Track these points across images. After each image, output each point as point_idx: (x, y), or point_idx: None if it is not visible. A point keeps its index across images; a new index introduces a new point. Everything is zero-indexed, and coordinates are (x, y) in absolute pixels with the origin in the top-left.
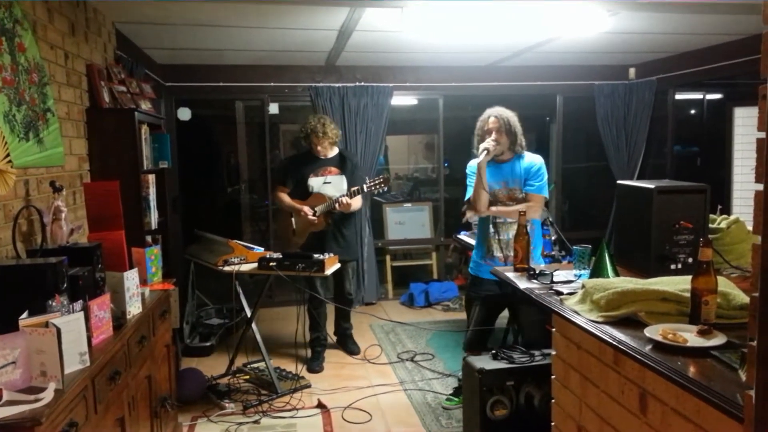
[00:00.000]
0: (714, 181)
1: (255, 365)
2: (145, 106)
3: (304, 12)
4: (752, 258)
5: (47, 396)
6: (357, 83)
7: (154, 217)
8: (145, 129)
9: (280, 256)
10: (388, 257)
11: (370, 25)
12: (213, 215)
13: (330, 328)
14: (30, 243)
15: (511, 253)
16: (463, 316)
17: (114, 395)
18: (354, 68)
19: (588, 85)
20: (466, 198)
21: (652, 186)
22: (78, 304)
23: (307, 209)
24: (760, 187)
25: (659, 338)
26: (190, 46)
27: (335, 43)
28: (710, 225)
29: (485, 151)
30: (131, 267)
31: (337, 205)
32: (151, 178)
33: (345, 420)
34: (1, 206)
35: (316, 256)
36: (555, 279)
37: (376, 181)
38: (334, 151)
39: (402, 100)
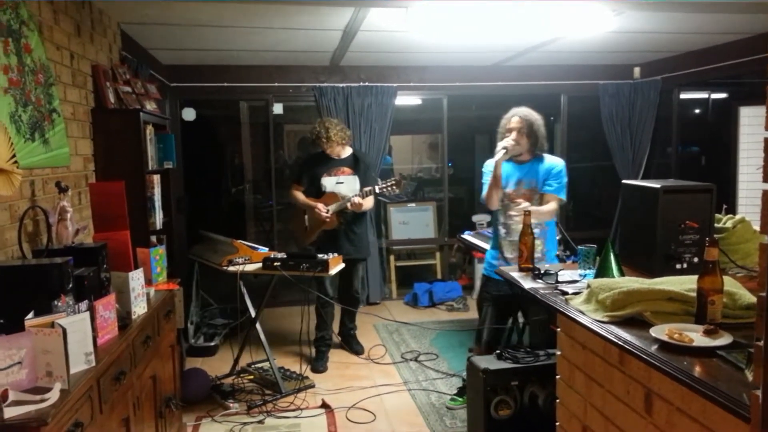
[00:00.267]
0: (719, 180)
1: (259, 365)
2: (150, 106)
3: (308, 12)
4: (759, 257)
5: (53, 396)
6: (361, 83)
7: (158, 218)
8: (150, 129)
9: (285, 256)
10: (392, 257)
11: (374, 25)
12: (217, 215)
13: (335, 327)
14: (36, 243)
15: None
16: (467, 316)
17: (119, 395)
18: (358, 68)
19: (593, 85)
20: (482, 197)
21: (657, 185)
22: (83, 305)
23: (321, 206)
24: (767, 186)
25: (665, 338)
26: (195, 46)
27: (339, 43)
28: (716, 225)
29: (503, 150)
30: (136, 267)
31: (349, 205)
32: (156, 178)
33: (349, 420)
34: (7, 207)
35: (320, 255)
36: (560, 279)
37: (389, 183)
38: (347, 152)
39: (406, 100)
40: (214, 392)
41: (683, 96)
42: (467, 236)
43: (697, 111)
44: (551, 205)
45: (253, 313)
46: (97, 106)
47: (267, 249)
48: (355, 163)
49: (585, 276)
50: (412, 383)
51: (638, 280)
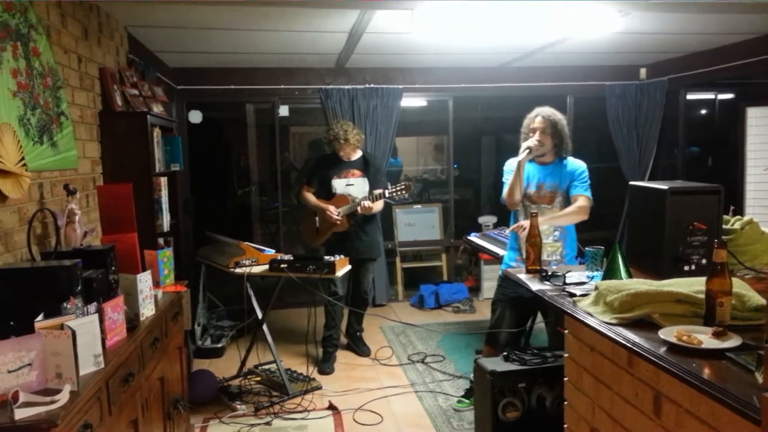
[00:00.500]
0: (725, 181)
1: (266, 367)
2: (157, 109)
3: (314, 15)
4: None
5: (63, 398)
6: (367, 85)
7: (166, 220)
8: (157, 132)
9: (291, 258)
10: (398, 259)
11: (379, 27)
12: (223, 217)
13: (342, 327)
14: (44, 246)
15: (542, 256)
16: (473, 317)
17: (127, 397)
18: (364, 70)
19: (599, 86)
20: (502, 197)
21: (665, 187)
22: (92, 307)
23: (332, 208)
24: None
25: (674, 340)
26: (201, 49)
27: (345, 46)
28: (723, 226)
29: (527, 150)
30: (144, 269)
31: (359, 208)
32: (163, 180)
33: (356, 422)
34: (16, 209)
35: (326, 257)
36: (567, 281)
37: (398, 188)
38: (357, 154)
39: (412, 101)
40: (222, 394)
41: (690, 97)
42: (473, 238)
43: (703, 112)
44: (579, 203)
45: (260, 315)
46: (104, 108)
47: (273, 251)
48: (365, 166)
49: (593, 278)
50: (419, 385)
51: (646, 281)
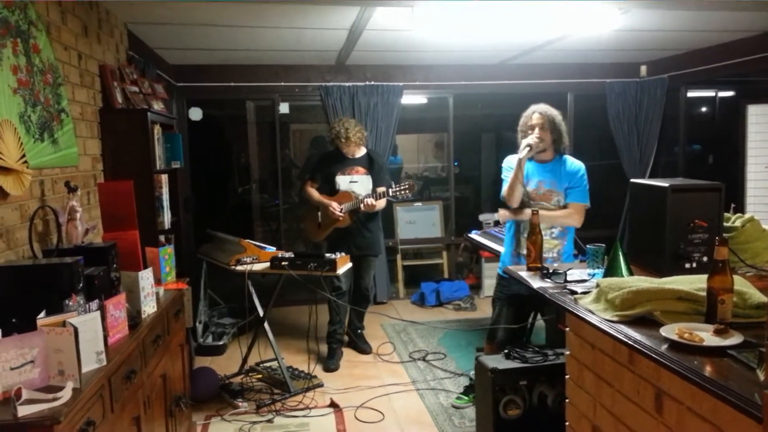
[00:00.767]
0: (726, 178)
1: (267, 364)
2: (158, 106)
3: (314, 12)
4: None
5: (65, 395)
6: (367, 82)
7: (167, 217)
8: (157, 129)
9: (292, 256)
10: (398, 256)
11: (380, 25)
12: (224, 215)
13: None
14: (46, 243)
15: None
16: (474, 315)
17: (130, 394)
18: (364, 67)
19: (599, 83)
20: (501, 194)
21: (666, 184)
22: (94, 304)
23: (335, 205)
24: None
25: (675, 337)
26: (201, 46)
27: (345, 43)
28: (724, 223)
29: (527, 147)
30: (145, 266)
31: (361, 206)
32: (164, 177)
33: (357, 419)
34: (17, 206)
35: (327, 255)
36: (568, 278)
37: (402, 187)
38: (361, 151)
39: (412, 99)
40: (223, 391)
41: (690, 94)
42: (474, 235)
43: (704, 109)
44: (572, 209)
45: (261, 313)
46: (104, 106)
47: (274, 248)
48: (369, 163)
49: (594, 275)
50: (420, 383)
51: (647, 279)
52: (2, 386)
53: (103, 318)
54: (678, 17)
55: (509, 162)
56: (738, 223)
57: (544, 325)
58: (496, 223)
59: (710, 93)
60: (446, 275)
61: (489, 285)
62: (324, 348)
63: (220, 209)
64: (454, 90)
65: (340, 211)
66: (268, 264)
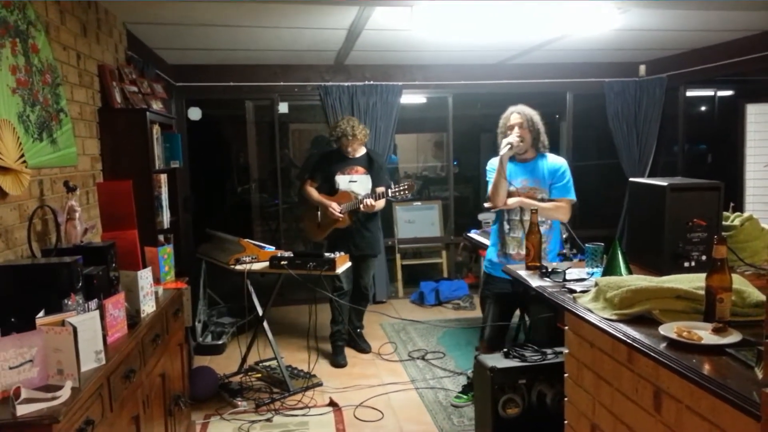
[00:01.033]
0: (725, 178)
1: (267, 363)
2: (157, 106)
3: (313, 11)
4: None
5: (64, 394)
6: (366, 82)
7: (166, 217)
8: (156, 129)
9: (291, 255)
10: (398, 256)
11: (379, 24)
12: (223, 214)
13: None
14: (45, 242)
15: (523, 251)
16: (473, 314)
17: (129, 393)
18: (363, 67)
19: (598, 83)
20: (486, 195)
21: (664, 183)
22: (93, 303)
23: (335, 205)
24: None
25: (674, 336)
26: (200, 46)
27: (344, 43)
28: (723, 222)
29: (509, 146)
30: (144, 266)
31: (361, 206)
32: (163, 177)
33: (357, 418)
34: (16, 206)
35: (326, 254)
36: (567, 277)
37: (401, 188)
38: (361, 151)
39: (411, 98)
40: (223, 390)
41: (689, 93)
42: (473, 235)
43: (703, 108)
44: (565, 207)
45: (260, 312)
46: (103, 105)
47: (273, 248)
48: (368, 163)
49: (593, 274)
50: (420, 381)
51: (646, 278)
52: (1, 385)
53: (102, 317)
54: (677, 17)
55: (492, 164)
56: (737, 222)
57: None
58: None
59: (709, 92)
60: (445, 274)
61: None
62: (323, 347)
63: (219, 209)
64: (453, 90)
65: (340, 212)
66: (267, 263)
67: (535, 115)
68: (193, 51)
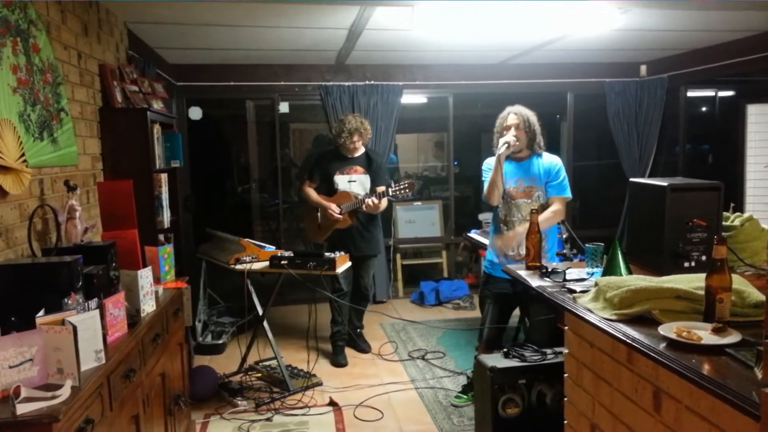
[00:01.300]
0: (726, 178)
1: (267, 363)
2: (157, 105)
3: (314, 11)
4: (767, 256)
5: (64, 393)
6: (367, 82)
7: (166, 216)
8: (157, 128)
9: (291, 255)
10: (398, 256)
11: (380, 24)
12: (224, 214)
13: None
14: (45, 242)
15: (523, 252)
16: (473, 314)
17: (129, 392)
18: (364, 67)
19: (599, 83)
20: (483, 194)
21: (665, 184)
22: (93, 302)
23: (334, 206)
24: None
25: (673, 336)
26: (201, 45)
27: (345, 42)
28: (723, 223)
29: (506, 144)
30: (145, 265)
31: (363, 206)
32: (164, 177)
33: (357, 418)
34: (16, 205)
35: (327, 254)
36: (567, 277)
37: (401, 186)
38: (360, 150)
39: (412, 98)
40: (222, 390)
41: (690, 94)
42: (474, 234)
43: (704, 109)
44: (554, 207)
45: (260, 311)
46: (104, 105)
47: (274, 247)
48: (367, 163)
49: (593, 274)
50: (419, 381)
51: (646, 278)
52: (1, 384)
53: (102, 316)
54: (678, 17)
55: (488, 163)
56: (737, 222)
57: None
58: None
59: (710, 93)
60: (446, 274)
61: None
62: (323, 347)
63: (220, 208)
64: (453, 90)
65: (340, 212)
66: (267, 263)
67: (532, 116)
68: (194, 50)
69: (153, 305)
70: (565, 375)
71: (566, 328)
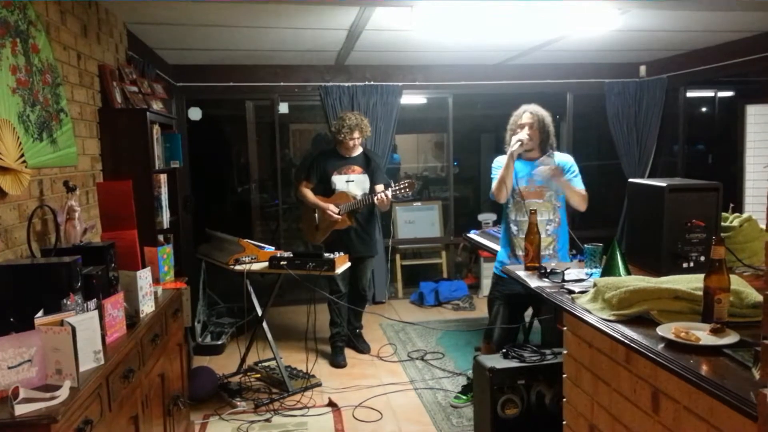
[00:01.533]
0: (725, 178)
1: (266, 364)
2: (157, 106)
3: (313, 12)
4: (765, 256)
5: (63, 394)
6: (366, 82)
7: (166, 217)
8: (156, 129)
9: (291, 255)
10: (398, 256)
11: (379, 25)
12: (223, 214)
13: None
14: (44, 242)
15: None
16: (473, 315)
17: (128, 393)
18: (363, 67)
19: (598, 83)
20: (491, 191)
21: (663, 184)
22: (92, 303)
23: (333, 207)
24: None
25: (671, 337)
26: (201, 46)
27: (345, 43)
28: (722, 223)
29: (519, 142)
30: (144, 266)
31: (376, 200)
32: (163, 177)
33: (356, 418)
34: (15, 206)
35: (326, 255)
36: (566, 277)
37: (402, 186)
38: (358, 150)
39: (411, 99)
40: (222, 390)
41: (689, 94)
42: (473, 235)
43: (703, 109)
44: (581, 189)
45: (259, 312)
46: (104, 105)
47: (273, 248)
48: (365, 162)
49: (591, 275)
50: (419, 382)
51: (645, 278)
52: (0, 385)
53: (101, 317)
54: (677, 17)
55: (498, 161)
56: (736, 223)
57: (539, 326)
58: (495, 223)
59: (709, 93)
60: (445, 275)
61: (488, 285)
62: (322, 347)
63: (219, 209)
64: (453, 90)
65: (339, 213)
66: (266, 263)
67: (547, 117)
68: (194, 51)
69: (152, 306)
70: (564, 375)
71: (565, 328)
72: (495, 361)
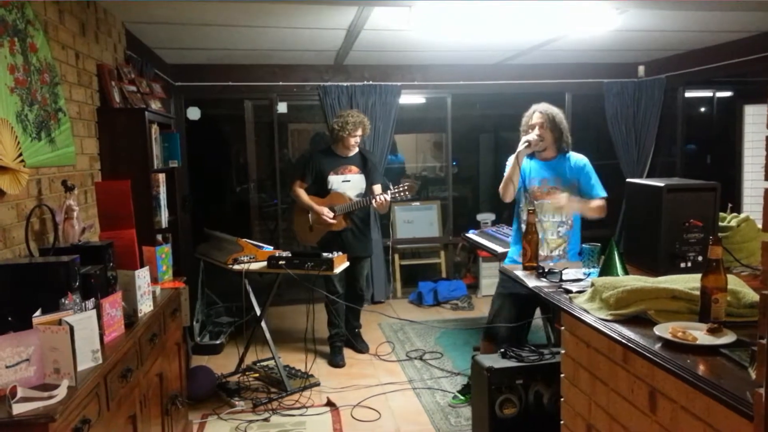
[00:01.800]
0: (724, 179)
1: (264, 363)
2: (155, 105)
3: (312, 11)
4: (762, 256)
5: (60, 393)
6: (365, 82)
7: (164, 216)
8: (155, 128)
9: (289, 255)
10: (396, 256)
11: (378, 24)
12: (222, 214)
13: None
14: (42, 242)
15: (545, 252)
16: (472, 314)
17: (126, 392)
18: (362, 67)
19: (597, 83)
20: (500, 187)
21: (661, 184)
22: (90, 302)
23: (326, 211)
24: None
25: (669, 336)
26: (200, 45)
27: (343, 43)
28: (720, 223)
29: (526, 143)
30: (142, 265)
31: (374, 202)
32: (162, 177)
33: (354, 418)
34: (14, 205)
35: (324, 254)
36: (564, 277)
37: (401, 188)
38: (354, 150)
39: (410, 98)
40: (220, 390)
41: (688, 94)
42: (472, 235)
43: (702, 109)
44: (600, 202)
45: (258, 312)
46: (102, 105)
47: (272, 248)
48: (362, 162)
49: (589, 274)
50: (417, 382)
51: (642, 278)
52: None
53: (99, 316)
54: (676, 17)
55: (511, 160)
56: (733, 223)
57: (543, 323)
58: (494, 223)
59: (708, 93)
60: (444, 275)
61: (486, 284)
62: (321, 347)
63: (218, 208)
64: (452, 90)
65: (334, 216)
66: (265, 263)
67: (558, 114)
68: (192, 51)
69: (150, 305)
70: (562, 375)
71: (563, 328)
72: (493, 361)
